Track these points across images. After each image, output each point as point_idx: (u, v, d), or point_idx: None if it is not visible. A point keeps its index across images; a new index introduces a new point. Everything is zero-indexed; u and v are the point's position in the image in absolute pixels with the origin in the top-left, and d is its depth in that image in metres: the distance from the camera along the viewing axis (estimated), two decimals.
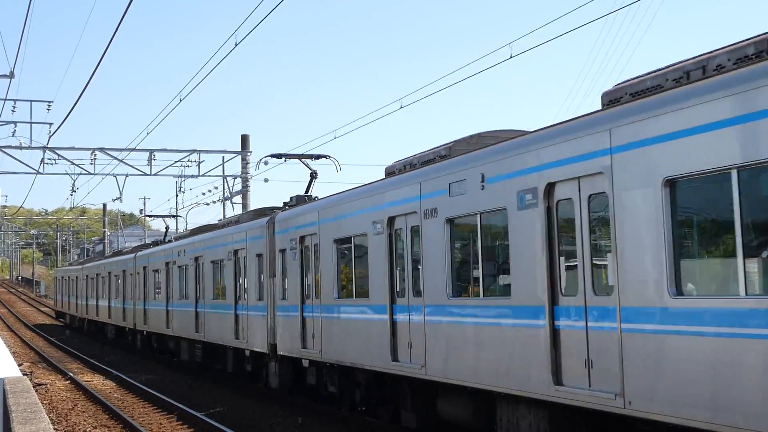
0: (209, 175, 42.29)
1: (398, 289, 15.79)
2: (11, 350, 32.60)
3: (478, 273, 13.30)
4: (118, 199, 45.93)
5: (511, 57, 19.51)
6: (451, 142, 15.49)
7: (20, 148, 39.02)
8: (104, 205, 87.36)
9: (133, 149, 39.84)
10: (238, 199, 41.65)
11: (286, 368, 22.19)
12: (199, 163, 41.11)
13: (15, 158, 39.46)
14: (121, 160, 40.16)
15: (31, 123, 38.76)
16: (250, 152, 41.05)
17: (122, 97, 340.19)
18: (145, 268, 36.55)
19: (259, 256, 23.01)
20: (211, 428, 18.50)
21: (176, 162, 40.83)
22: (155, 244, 39.46)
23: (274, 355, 22.22)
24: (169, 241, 38.88)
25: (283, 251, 21.37)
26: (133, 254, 39.15)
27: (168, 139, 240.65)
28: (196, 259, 28.97)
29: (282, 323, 21.41)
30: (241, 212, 26.59)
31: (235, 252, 24.99)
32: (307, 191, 24.12)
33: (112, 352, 41.19)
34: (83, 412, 22.11)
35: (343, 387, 18.89)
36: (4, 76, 29.19)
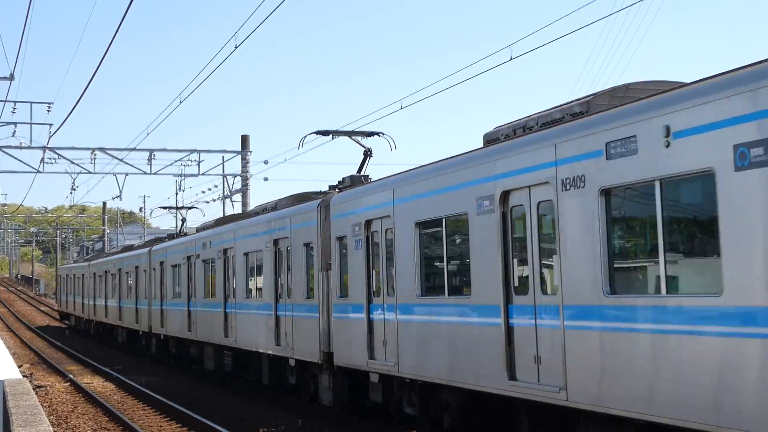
0: (209, 174, 41.98)
1: (516, 285, 12.20)
2: (11, 351, 31.89)
3: (658, 261, 9.69)
4: (118, 197, 45.99)
5: (511, 59, 19.34)
6: (587, 96, 11.98)
7: (20, 148, 38.84)
8: (104, 203, 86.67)
9: (133, 149, 39.50)
10: (237, 198, 41.65)
11: (342, 382, 18.62)
12: (199, 162, 41.14)
13: (15, 158, 39.24)
14: (121, 160, 39.85)
15: (31, 124, 38.53)
16: (250, 152, 41.14)
17: (122, 97, 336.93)
18: (162, 263, 32.91)
19: (308, 245, 19.44)
20: (211, 430, 17.91)
21: (176, 161, 40.79)
22: (171, 237, 35.86)
23: (328, 366, 18.63)
24: (185, 234, 35.35)
25: (341, 239, 17.79)
26: (148, 248, 35.50)
27: (168, 139, 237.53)
28: (225, 251, 25.37)
29: (340, 327, 17.82)
30: (279, 198, 23.03)
31: (276, 242, 21.40)
32: (360, 170, 20.56)
33: (119, 356, 38.43)
34: (83, 414, 21.76)
35: (425, 409, 15.26)
36: (4, 78, 28.96)
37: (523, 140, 12.06)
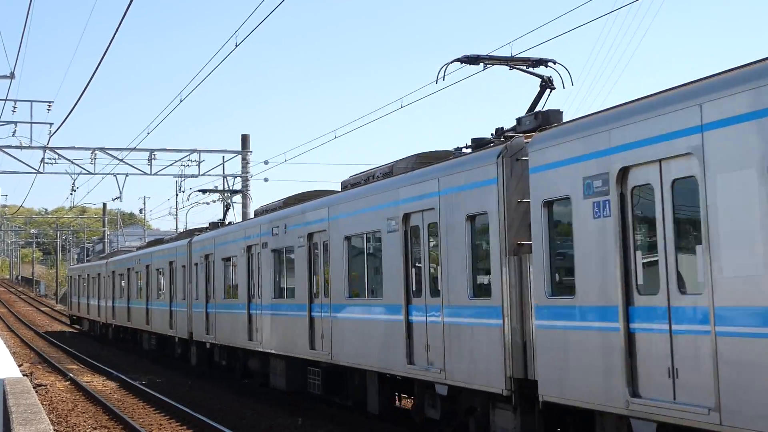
0: (209, 175, 41.74)
1: None
2: (11, 350, 31.43)
3: None
4: (118, 198, 45.96)
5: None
6: None
7: (20, 147, 38.60)
8: (104, 205, 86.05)
9: (133, 149, 39.29)
10: (237, 199, 40.88)
11: (538, 424, 12.16)
12: (199, 162, 40.85)
13: (15, 158, 38.96)
14: (121, 160, 39.58)
15: (31, 123, 38.31)
16: (251, 152, 40.88)
17: (122, 97, 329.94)
18: (207, 256, 26.39)
19: (476, 217, 12.97)
20: (211, 429, 17.77)
21: (176, 162, 40.55)
22: (215, 226, 29.38)
23: (519, 400, 12.16)
24: (230, 223, 28.96)
25: (551, 204, 11.30)
26: (187, 240, 29.01)
27: (168, 139, 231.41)
28: (310, 236, 18.88)
29: (552, 343, 11.28)
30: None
31: (405, 218, 14.91)
32: (532, 108, 14.08)
33: (120, 356, 34.75)
34: (83, 412, 21.48)
35: None
36: (5, 76, 28.60)
37: None
